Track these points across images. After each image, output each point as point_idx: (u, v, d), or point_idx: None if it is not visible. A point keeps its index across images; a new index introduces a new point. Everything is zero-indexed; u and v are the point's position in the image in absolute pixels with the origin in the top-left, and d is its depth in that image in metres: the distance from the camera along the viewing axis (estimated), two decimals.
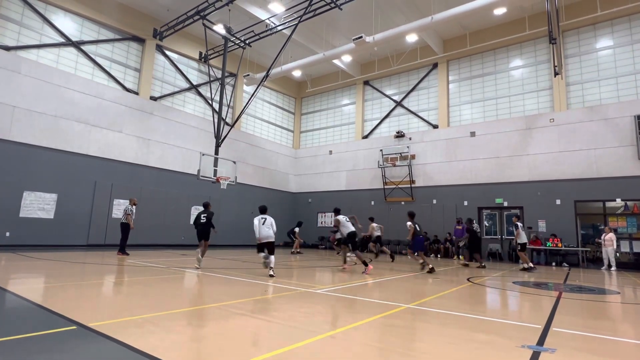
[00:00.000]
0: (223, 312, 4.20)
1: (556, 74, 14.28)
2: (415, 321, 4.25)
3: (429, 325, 4.08)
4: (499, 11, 15.15)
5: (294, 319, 4.05)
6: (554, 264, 14.66)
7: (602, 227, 14.33)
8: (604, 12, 14.45)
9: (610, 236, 13.18)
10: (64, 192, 13.86)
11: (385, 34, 15.73)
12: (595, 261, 15.61)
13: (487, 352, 3.13)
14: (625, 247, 14.14)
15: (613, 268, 13.03)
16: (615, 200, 14.45)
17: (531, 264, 11.62)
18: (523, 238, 11.64)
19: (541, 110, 16.56)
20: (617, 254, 13.99)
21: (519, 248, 11.69)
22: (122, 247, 11.42)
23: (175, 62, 18.52)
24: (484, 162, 17.33)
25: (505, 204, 16.62)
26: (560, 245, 14.60)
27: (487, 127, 17.58)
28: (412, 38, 16.30)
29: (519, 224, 11.69)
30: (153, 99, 17.28)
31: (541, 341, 3.47)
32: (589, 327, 4.25)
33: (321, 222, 22.58)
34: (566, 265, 14.39)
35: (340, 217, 9.89)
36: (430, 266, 9.88)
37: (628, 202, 14.31)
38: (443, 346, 3.26)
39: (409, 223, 10.23)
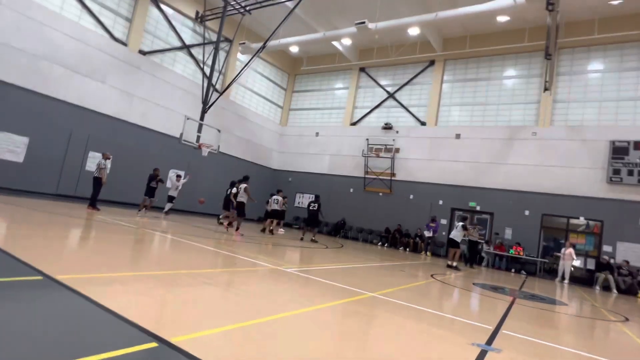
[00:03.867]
0: (192, 280, 4.24)
1: (546, 89, 14.66)
2: (377, 310, 4.43)
3: (390, 315, 4.27)
4: (502, 18, 15.23)
5: (259, 295, 4.14)
6: (513, 270, 15.40)
7: (563, 241, 15.09)
8: (599, 36, 14.81)
9: (570, 251, 13.93)
10: (37, 136, 13.29)
11: (388, 23, 15.59)
12: (551, 272, 16.47)
13: (440, 346, 3.33)
14: (579, 263, 14.99)
15: (566, 281, 13.83)
16: (579, 218, 15.20)
17: (455, 264, 11.90)
18: (456, 237, 11.97)
19: (525, 123, 17.00)
20: (572, 268, 14.81)
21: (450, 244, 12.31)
22: (93, 202, 11.19)
23: (170, 18, 17.75)
24: (464, 165, 17.75)
25: (478, 208, 17.18)
26: (522, 253, 15.32)
27: (472, 132, 17.93)
28: (414, 31, 16.23)
29: (462, 224, 12.04)
30: (142, 53, 16.59)
31: (490, 341, 3.71)
32: (535, 333, 4.55)
33: (299, 202, 22.68)
34: (524, 273, 15.14)
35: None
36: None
37: (590, 222, 15.09)
38: (400, 336, 3.44)
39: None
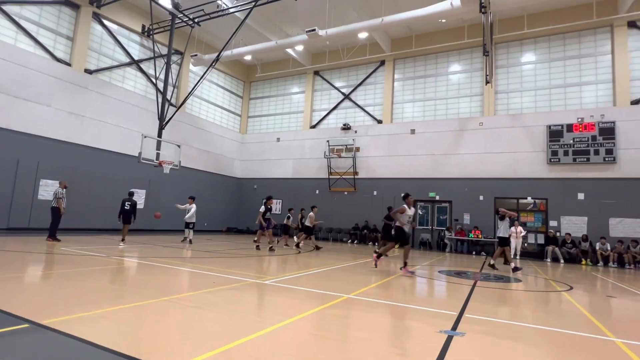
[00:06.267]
0: (176, 305, 4.38)
1: (487, 82, 15.84)
2: (353, 311, 4.81)
3: (365, 314, 4.66)
4: (443, 19, 16.24)
5: (243, 312, 4.38)
6: (474, 252, 16.53)
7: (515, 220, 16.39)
8: (529, 31, 16.22)
9: (519, 229, 15.20)
10: None
11: (337, 29, 16.12)
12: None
13: (412, 338, 3.76)
14: (532, 239, 16.39)
15: (517, 257, 15.11)
16: (526, 199, 16.60)
17: (514, 264, 10.24)
18: (502, 232, 10.34)
19: (472, 114, 18.23)
20: (525, 244, 16.17)
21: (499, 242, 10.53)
22: (53, 233, 10.74)
23: (115, 34, 17.19)
24: (421, 158, 18.72)
25: (437, 197, 18.22)
26: (480, 236, 16.48)
27: (425, 126, 18.94)
28: (362, 35, 16.87)
29: (503, 217, 10.38)
30: (88, 72, 15.96)
31: (455, 326, 4.20)
32: (494, 313, 5.14)
33: None
34: (484, 254, 16.31)
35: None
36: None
37: (536, 200, 16.52)
38: (375, 334, 3.83)
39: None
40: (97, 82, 16.19)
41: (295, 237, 15.25)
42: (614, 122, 15.08)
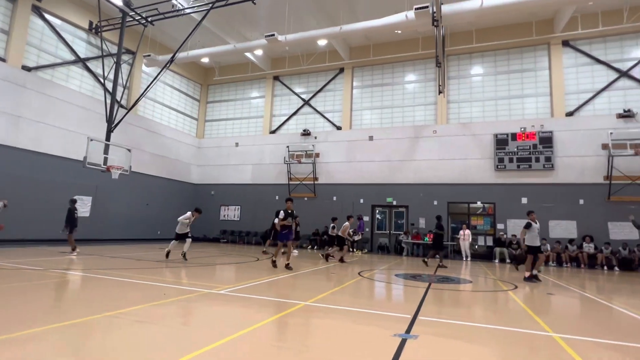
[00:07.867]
0: (121, 321, 4.09)
1: (440, 92, 16.58)
2: (310, 318, 4.76)
3: (322, 320, 4.62)
4: (399, 30, 16.83)
5: (195, 325, 4.18)
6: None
7: (466, 222, 17.25)
8: (477, 45, 17.25)
9: (467, 232, 16.07)
10: None
11: (296, 35, 16.14)
12: (460, 252, 18.72)
13: (367, 343, 3.77)
14: (481, 241, 17.28)
15: (469, 259, 15.90)
16: (476, 203, 17.50)
17: (534, 272, 9.38)
18: (529, 240, 9.46)
19: (427, 122, 18.99)
20: (476, 247, 17.05)
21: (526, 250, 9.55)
22: None
23: (58, 29, 16.02)
24: (379, 164, 19.16)
25: (395, 202, 18.71)
26: None
27: (383, 133, 19.43)
28: (322, 42, 17.06)
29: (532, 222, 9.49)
30: (26, 69, 14.73)
31: (409, 329, 4.28)
32: (447, 314, 5.31)
33: (224, 216, 22.16)
34: (437, 257, 16.89)
35: None
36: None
37: (485, 205, 17.47)
38: (331, 340, 3.80)
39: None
40: (37, 80, 14.97)
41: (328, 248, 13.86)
42: (551, 132, 16.36)
